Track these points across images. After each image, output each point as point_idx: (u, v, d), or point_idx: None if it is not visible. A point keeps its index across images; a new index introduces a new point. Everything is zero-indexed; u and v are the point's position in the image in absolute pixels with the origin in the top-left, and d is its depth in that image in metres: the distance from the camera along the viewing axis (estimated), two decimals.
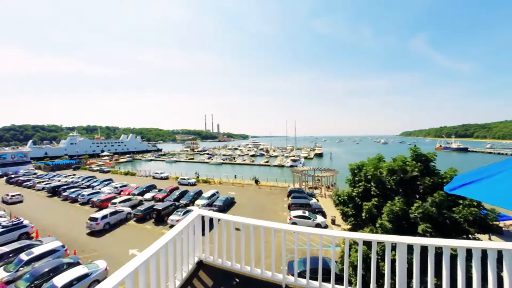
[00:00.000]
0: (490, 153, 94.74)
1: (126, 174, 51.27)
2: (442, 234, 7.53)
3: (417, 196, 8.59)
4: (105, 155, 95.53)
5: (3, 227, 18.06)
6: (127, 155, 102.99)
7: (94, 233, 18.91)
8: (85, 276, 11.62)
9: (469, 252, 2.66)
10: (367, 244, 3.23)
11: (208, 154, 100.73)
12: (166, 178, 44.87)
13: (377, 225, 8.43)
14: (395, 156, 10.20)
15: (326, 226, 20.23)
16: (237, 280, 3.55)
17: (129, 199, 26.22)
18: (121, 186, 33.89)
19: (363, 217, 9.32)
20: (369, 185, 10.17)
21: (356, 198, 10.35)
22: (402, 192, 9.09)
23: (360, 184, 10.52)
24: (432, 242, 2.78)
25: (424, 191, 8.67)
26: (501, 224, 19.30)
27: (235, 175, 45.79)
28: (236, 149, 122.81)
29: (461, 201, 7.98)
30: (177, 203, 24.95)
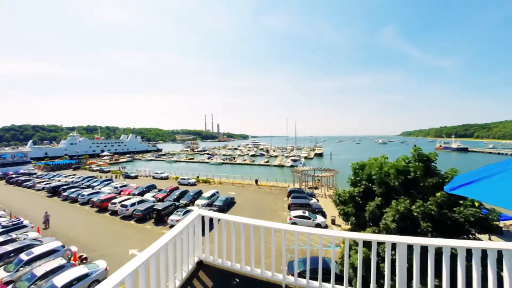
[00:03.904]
0: (490, 153, 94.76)
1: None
2: (443, 233, 7.54)
3: (420, 196, 8.58)
4: (105, 155, 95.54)
5: (3, 227, 18.06)
6: (127, 155, 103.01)
7: (94, 233, 18.95)
8: (85, 276, 11.62)
9: (469, 252, 2.66)
10: (367, 244, 3.23)
11: (208, 154, 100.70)
12: (166, 178, 44.87)
13: (381, 225, 8.40)
14: (394, 156, 10.21)
15: (326, 226, 20.23)
16: (237, 280, 3.56)
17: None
18: (121, 186, 33.87)
19: (366, 218, 9.28)
20: (371, 185, 10.13)
21: (358, 198, 10.32)
22: (405, 192, 9.06)
23: (362, 183, 10.47)
24: (432, 242, 2.77)
25: (426, 191, 8.66)
26: (501, 224, 19.29)
27: (235, 177, 45.78)
28: (236, 149, 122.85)
29: (462, 202, 7.98)
30: (177, 203, 24.93)
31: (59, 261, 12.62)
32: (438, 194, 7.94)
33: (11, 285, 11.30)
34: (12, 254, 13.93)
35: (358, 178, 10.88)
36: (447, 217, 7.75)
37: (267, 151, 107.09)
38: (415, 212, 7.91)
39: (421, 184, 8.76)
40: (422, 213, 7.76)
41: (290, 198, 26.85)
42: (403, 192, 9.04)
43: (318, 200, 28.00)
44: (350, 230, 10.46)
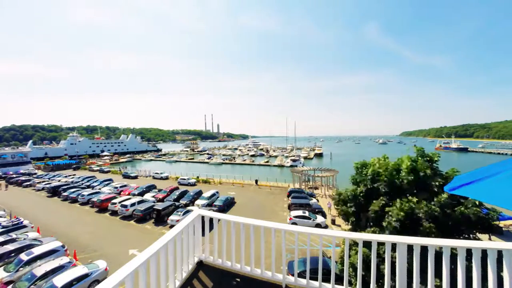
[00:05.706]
0: (490, 153, 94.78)
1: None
2: (444, 233, 7.51)
3: (425, 196, 8.46)
4: (105, 155, 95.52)
5: (3, 227, 18.06)
6: (127, 155, 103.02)
7: (94, 233, 18.96)
8: (85, 276, 11.63)
9: (469, 252, 2.66)
10: (367, 244, 3.23)
11: (208, 154, 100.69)
12: (166, 178, 44.85)
13: (384, 224, 8.28)
14: (394, 156, 10.15)
15: (326, 226, 20.23)
16: (237, 280, 3.56)
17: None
18: (121, 186, 33.87)
19: (368, 217, 9.19)
20: (374, 185, 9.99)
21: (360, 197, 10.23)
22: (411, 191, 8.94)
23: (366, 183, 10.35)
24: (432, 242, 2.78)
25: (432, 191, 8.55)
26: (501, 224, 19.30)
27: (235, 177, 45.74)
28: (236, 149, 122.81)
29: (463, 201, 7.93)
30: (177, 203, 24.94)
31: (59, 261, 12.64)
32: (444, 195, 7.84)
33: (11, 285, 11.30)
34: (12, 254, 13.93)
35: (361, 178, 10.76)
36: (448, 217, 7.72)
37: (267, 151, 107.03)
38: (419, 212, 7.80)
39: (432, 183, 8.58)
40: (426, 214, 7.68)
41: (290, 198, 26.85)
42: (411, 191, 8.88)
43: (318, 200, 28.00)
44: (350, 230, 10.44)
